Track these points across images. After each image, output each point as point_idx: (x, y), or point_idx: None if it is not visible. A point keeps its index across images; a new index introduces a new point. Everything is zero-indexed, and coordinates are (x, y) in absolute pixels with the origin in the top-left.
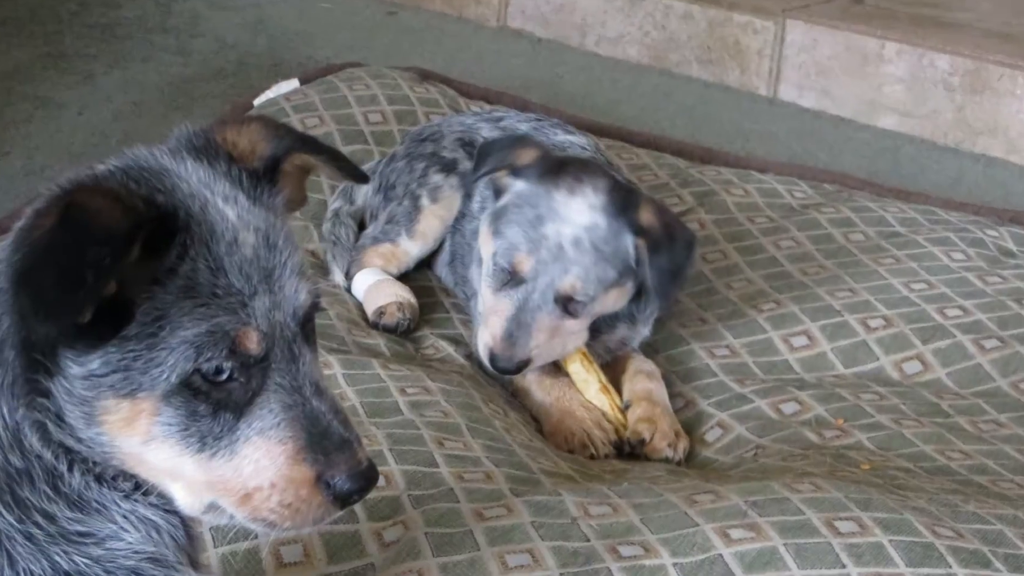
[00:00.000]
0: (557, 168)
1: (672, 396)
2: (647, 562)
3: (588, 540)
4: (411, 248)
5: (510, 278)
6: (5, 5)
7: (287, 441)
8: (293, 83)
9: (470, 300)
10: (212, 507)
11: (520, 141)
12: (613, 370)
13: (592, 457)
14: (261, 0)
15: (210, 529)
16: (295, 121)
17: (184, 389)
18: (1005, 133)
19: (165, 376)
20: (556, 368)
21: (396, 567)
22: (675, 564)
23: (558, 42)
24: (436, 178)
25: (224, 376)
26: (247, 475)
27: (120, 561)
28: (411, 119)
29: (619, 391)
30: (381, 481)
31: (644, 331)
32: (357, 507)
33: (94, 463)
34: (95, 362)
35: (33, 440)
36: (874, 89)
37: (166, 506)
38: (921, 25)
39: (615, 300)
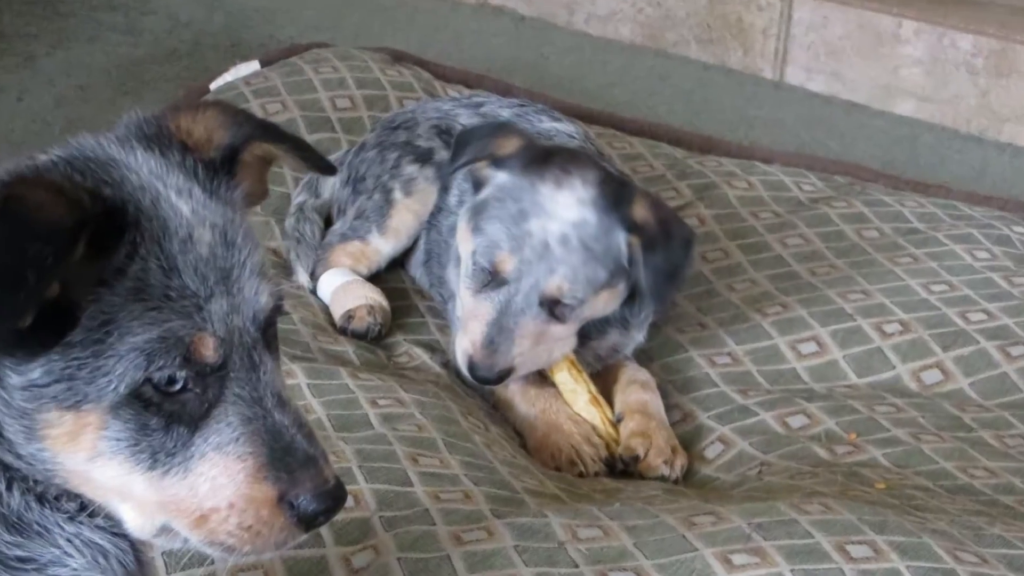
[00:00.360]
0: (542, 158)
1: (668, 408)
2: None
3: (576, 566)
4: (382, 246)
5: (491, 279)
6: None
7: (247, 457)
8: (253, 65)
9: (447, 303)
10: (164, 530)
11: (502, 129)
12: (604, 380)
13: (581, 475)
14: None
15: (162, 554)
16: (255, 107)
17: (134, 401)
18: None
19: (113, 386)
20: (542, 378)
21: None
22: None
23: (543, 20)
24: (410, 169)
25: (177, 386)
26: (203, 495)
27: None
28: (382, 104)
29: (610, 403)
30: (350, 501)
31: (638, 337)
32: (323, 530)
33: (35, 481)
34: (36, 371)
35: None
36: (890, 72)
37: (114, 529)
38: (941, 2)
39: (606, 303)
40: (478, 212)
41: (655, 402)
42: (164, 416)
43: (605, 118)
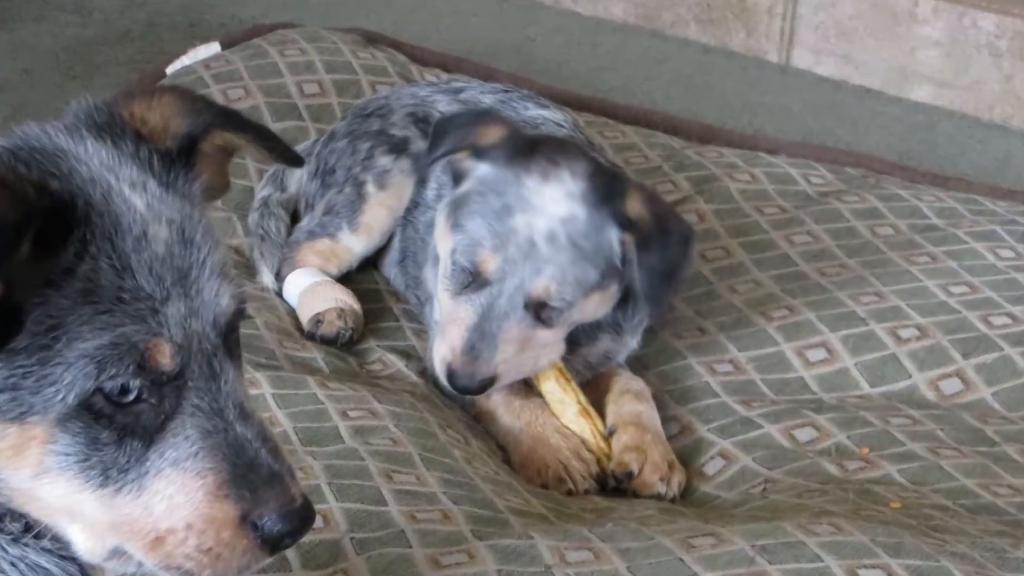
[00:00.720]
0: (528, 149)
1: (665, 420)
2: None
3: None
4: (354, 244)
5: (472, 280)
6: None
7: (206, 474)
8: (213, 47)
9: (424, 306)
10: (117, 552)
11: (484, 117)
12: (595, 389)
13: (570, 493)
14: None
15: None
16: (216, 93)
17: (83, 412)
18: None
19: (61, 396)
20: (527, 387)
21: None
22: None
23: None
24: (384, 160)
25: (131, 397)
26: (159, 515)
27: None
28: (354, 90)
29: (602, 414)
30: (318, 522)
31: (632, 343)
32: (290, 553)
33: None
34: None
35: None
36: (906, 54)
37: (62, 551)
38: None
39: (597, 306)
40: (458, 207)
41: (650, 413)
42: (116, 429)
43: (596, 105)
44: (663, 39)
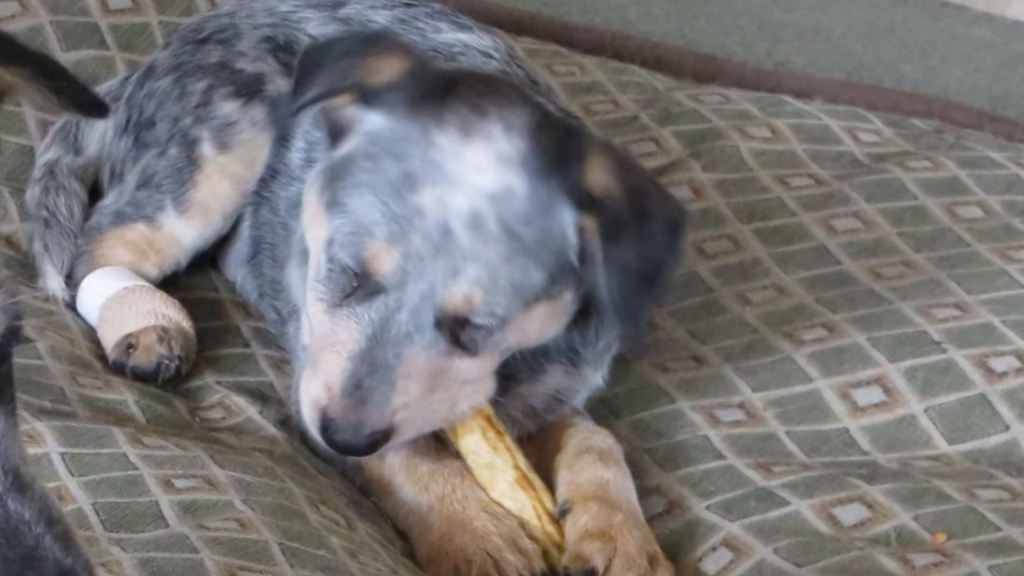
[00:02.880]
0: (441, 91)
1: (644, 493)
2: None
3: None
4: (182, 231)
5: (358, 285)
6: None
7: None
8: None
9: (287, 323)
10: None
11: (375, 43)
12: (541, 448)
13: None
14: None
15: None
16: None
17: None
18: None
19: None
20: (440, 444)
21: None
22: None
23: None
24: (227, 108)
25: None
26: None
27: None
28: (183, 4)
29: (551, 483)
30: None
31: (594, 379)
32: None
33: None
34: None
35: None
36: None
37: None
38: None
39: (543, 324)
40: (337, 177)
41: (621, 483)
42: None
43: (542, 26)
44: None
